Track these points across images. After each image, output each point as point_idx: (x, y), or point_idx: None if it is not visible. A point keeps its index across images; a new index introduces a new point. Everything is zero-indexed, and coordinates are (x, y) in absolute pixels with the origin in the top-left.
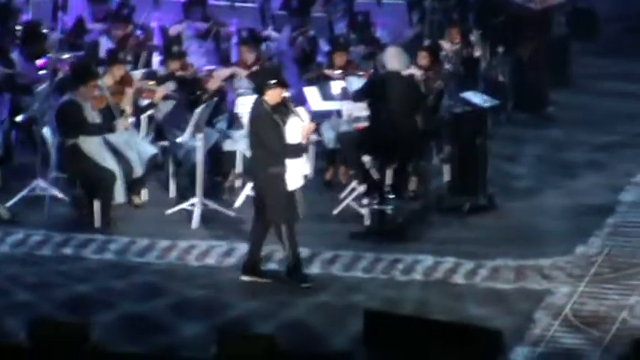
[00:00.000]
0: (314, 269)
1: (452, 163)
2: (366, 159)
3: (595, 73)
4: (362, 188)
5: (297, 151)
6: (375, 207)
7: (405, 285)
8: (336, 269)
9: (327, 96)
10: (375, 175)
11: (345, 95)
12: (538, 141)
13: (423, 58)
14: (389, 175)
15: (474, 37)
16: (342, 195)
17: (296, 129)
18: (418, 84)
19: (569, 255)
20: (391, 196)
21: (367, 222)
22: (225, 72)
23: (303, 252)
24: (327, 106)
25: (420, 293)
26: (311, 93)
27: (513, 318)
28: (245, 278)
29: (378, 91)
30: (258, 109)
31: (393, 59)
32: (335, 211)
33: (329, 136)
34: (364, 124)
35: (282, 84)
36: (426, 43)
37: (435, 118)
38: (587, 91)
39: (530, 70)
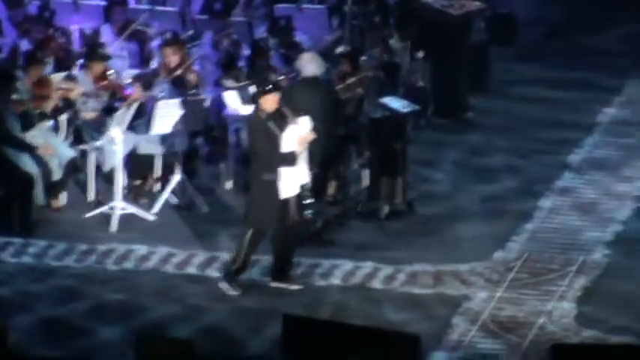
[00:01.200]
0: None
1: (371, 168)
2: None
3: (514, 78)
4: None
5: (289, 159)
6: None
7: (323, 290)
8: (254, 274)
9: (247, 100)
10: None
11: None
12: (457, 146)
13: (343, 64)
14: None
15: (394, 42)
16: None
17: (293, 137)
18: (335, 89)
19: (488, 260)
20: (310, 201)
21: None
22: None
23: (223, 256)
24: (248, 110)
25: (339, 298)
26: (230, 97)
27: (431, 323)
28: (274, 284)
29: (295, 97)
30: (253, 116)
31: (308, 65)
32: None
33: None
34: None
35: (275, 89)
36: (346, 49)
37: (354, 124)
38: (506, 96)
39: (450, 75)
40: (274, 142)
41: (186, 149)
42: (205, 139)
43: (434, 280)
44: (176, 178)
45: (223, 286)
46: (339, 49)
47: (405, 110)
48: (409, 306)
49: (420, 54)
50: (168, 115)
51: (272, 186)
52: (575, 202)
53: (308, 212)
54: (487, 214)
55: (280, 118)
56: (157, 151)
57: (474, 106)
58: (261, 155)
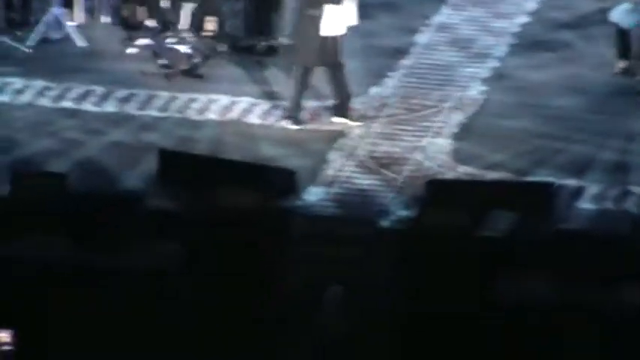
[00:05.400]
0: (109, 107)
1: (248, 3)
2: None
3: None
4: (159, 27)
5: None
6: (172, 46)
7: (199, 124)
8: (130, 108)
9: None
10: (171, 13)
11: None
12: None
13: None
14: (185, 14)
15: None
16: (139, 33)
17: None
18: None
19: (363, 96)
20: (187, 35)
21: (163, 61)
22: None
23: (97, 90)
24: None
25: (215, 133)
26: None
27: (307, 158)
28: (335, 120)
29: None
30: None
31: None
32: (131, 49)
33: None
34: None
35: None
36: None
37: None
38: None
39: None
40: None
41: None
42: None
43: (310, 115)
44: (53, 10)
45: (284, 122)
46: None
47: None
48: (285, 141)
49: None
50: None
51: (315, 22)
52: (452, 38)
53: (185, 47)
54: (363, 50)
55: None
56: None
57: None
58: None
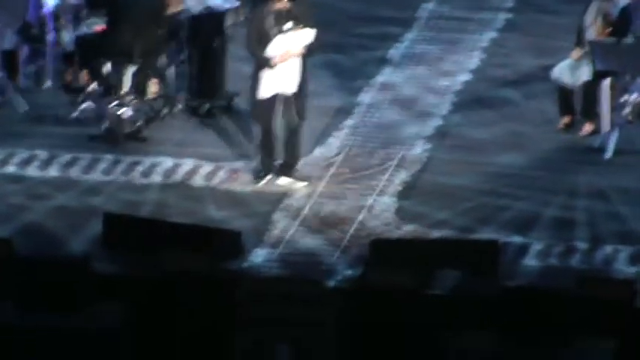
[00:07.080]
0: (52, 172)
1: (191, 65)
2: (105, 61)
3: None
4: (101, 90)
5: (262, 61)
6: (115, 109)
7: (144, 187)
8: (74, 172)
9: None
10: (114, 77)
11: None
12: None
13: None
14: (128, 77)
15: None
16: (81, 97)
17: (279, 44)
18: None
19: (308, 156)
20: (130, 98)
21: (106, 124)
22: None
23: (41, 155)
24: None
25: (159, 195)
26: None
27: (252, 220)
28: (280, 181)
29: None
30: (260, 8)
31: None
32: (74, 114)
33: (67, 38)
34: (102, 26)
35: None
36: None
37: (174, 21)
38: None
39: None
40: (263, 38)
41: (9, 47)
42: (24, 38)
43: (254, 176)
44: None
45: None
46: None
47: (225, 6)
48: (230, 203)
49: None
50: None
51: (258, 78)
52: (395, 98)
53: (128, 110)
54: (307, 109)
55: (282, 20)
56: None
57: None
58: (246, 44)
